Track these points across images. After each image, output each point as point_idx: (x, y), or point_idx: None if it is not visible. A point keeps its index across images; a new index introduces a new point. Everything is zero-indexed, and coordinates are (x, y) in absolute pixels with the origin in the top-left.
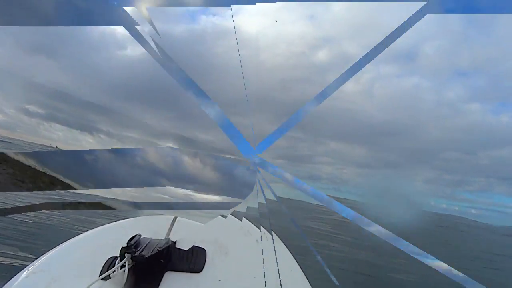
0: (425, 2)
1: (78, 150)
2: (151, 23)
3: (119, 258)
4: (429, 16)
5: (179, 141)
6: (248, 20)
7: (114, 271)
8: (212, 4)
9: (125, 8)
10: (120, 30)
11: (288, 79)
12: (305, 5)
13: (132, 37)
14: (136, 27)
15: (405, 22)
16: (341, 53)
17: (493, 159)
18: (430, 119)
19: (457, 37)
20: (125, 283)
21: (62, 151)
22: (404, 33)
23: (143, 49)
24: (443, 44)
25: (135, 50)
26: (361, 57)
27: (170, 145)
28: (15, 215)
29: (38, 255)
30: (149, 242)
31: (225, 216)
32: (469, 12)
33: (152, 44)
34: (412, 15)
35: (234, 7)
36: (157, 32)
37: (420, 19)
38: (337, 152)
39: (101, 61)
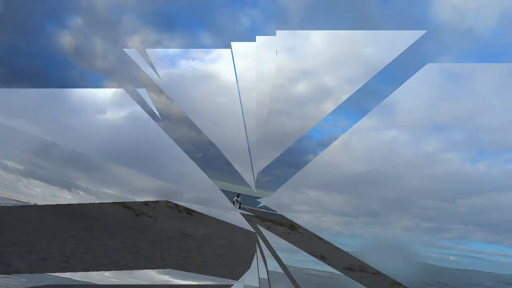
0: (422, 30)
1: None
2: (152, 66)
3: None
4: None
5: (159, 197)
6: (229, 65)
7: None
8: (213, 45)
9: (124, 49)
10: (100, 93)
11: (268, 112)
12: (285, 38)
13: (111, 102)
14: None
15: (406, 69)
16: (319, 85)
17: (470, 207)
18: (408, 168)
19: (435, 91)
20: None
21: None
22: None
23: (122, 114)
24: (421, 98)
25: (114, 114)
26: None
27: (147, 200)
28: None
29: None
30: None
31: None
32: (466, 61)
33: (150, 102)
34: (412, 61)
35: (215, 53)
36: (157, 73)
37: (420, 69)
38: (316, 200)
39: (81, 124)
